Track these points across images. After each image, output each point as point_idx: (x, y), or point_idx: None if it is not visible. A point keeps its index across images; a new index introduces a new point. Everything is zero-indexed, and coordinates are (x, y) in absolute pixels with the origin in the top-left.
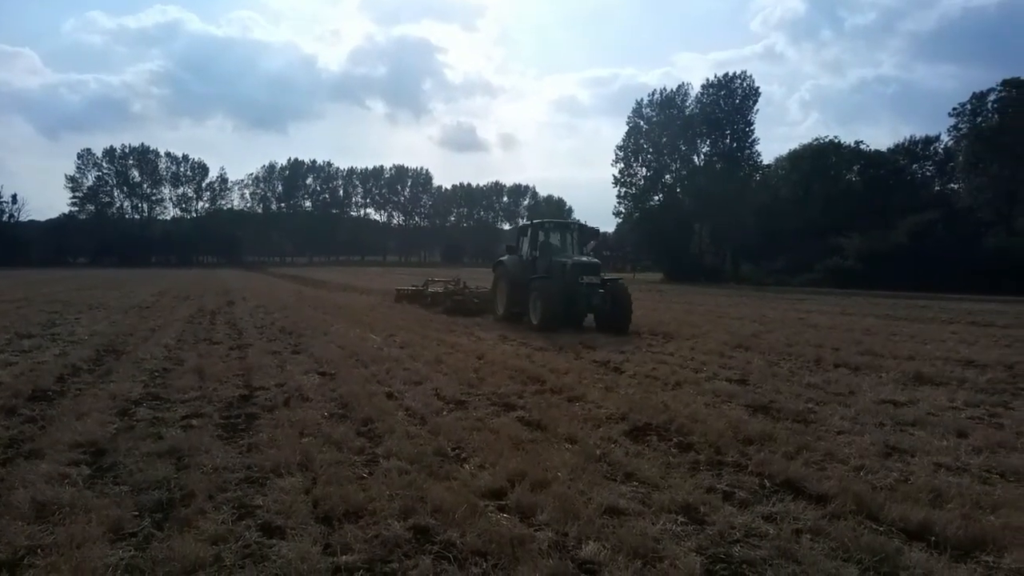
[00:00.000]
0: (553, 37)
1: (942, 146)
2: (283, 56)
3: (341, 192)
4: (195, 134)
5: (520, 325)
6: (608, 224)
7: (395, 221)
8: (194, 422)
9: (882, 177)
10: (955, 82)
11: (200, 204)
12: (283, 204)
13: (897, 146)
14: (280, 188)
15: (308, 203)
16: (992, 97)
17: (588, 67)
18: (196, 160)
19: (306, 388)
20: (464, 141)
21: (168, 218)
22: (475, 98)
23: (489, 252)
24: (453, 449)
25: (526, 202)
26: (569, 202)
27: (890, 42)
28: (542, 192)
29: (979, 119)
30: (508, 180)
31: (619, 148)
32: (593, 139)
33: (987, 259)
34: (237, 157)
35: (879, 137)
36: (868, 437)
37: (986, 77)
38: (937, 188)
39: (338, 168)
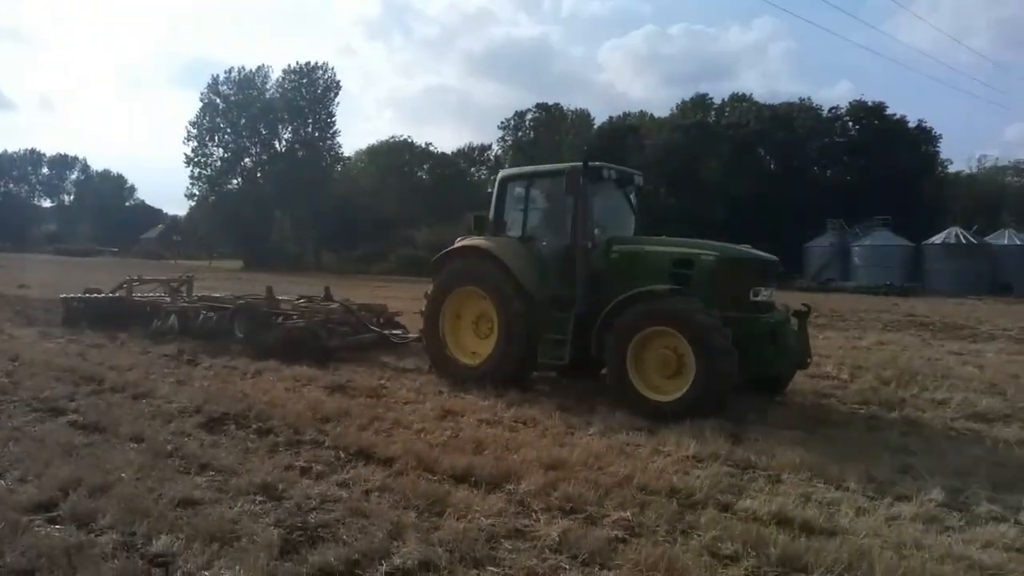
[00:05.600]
0: None
1: (494, 153)
2: None
3: None
4: None
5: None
6: (181, 207)
7: None
8: None
9: (448, 177)
10: (502, 99)
11: None
12: None
13: (459, 150)
14: None
15: None
16: (529, 116)
17: (163, 36)
18: None
19: None
20: None
21: None
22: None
23: (20, 235)
24: None
25: (74, 176)
26: (130, 180)
27: (450, 55)
28: (96, 166)
29: (520, 133)
30: (48, 149)
31: (192, 125)
32: (162, 111)
33: None
34: None
35: (445, 140)
36: (429, 404)
37: (526, 98)
38: (489, 189)
39: None
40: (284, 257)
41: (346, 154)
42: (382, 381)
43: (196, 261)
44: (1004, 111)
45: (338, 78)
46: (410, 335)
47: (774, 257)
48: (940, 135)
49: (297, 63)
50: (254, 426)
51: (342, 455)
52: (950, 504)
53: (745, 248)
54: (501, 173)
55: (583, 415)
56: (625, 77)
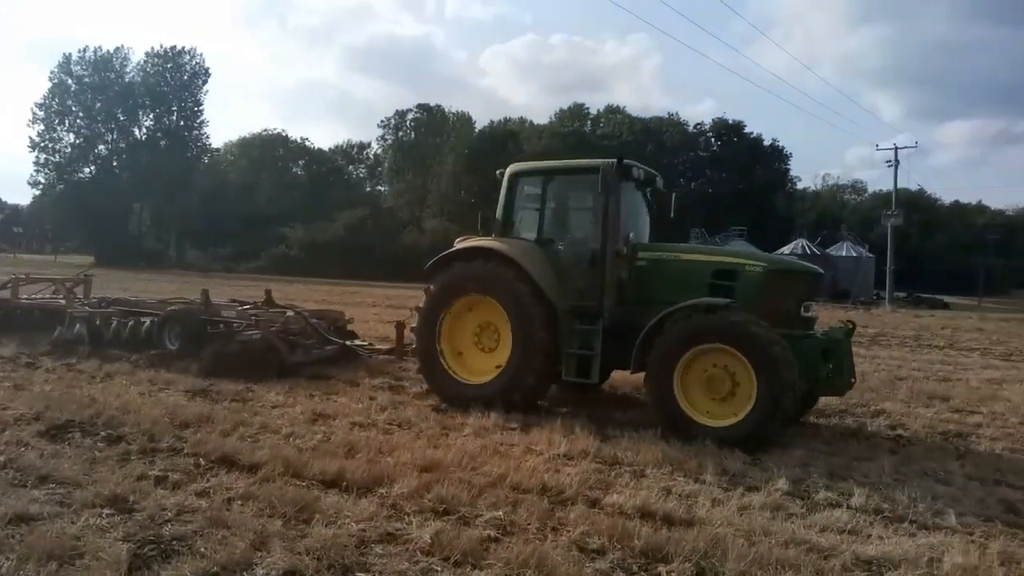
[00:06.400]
0: None
1: (373, 152)
2: None
3: None
4: None
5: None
6: (25, 196)
7: None
8: None
9: (324, 174)
10: (382, 97)
11: None
12: None
13: (337, 147)
14: None
15: None
16: (410, 116)
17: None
18: None
19: None
20: None
21: None
22: None
23: None
24: None
25: None
26: None
27: (330, 49)
28: None
29: (400, 133)
30: None
31: (39, 106)
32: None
33: (403, 252)
34: None
35: (322, 136)
36: (300, 407)
37: (407, 97)
38: (368, 189)
39: None
40: (142, 253)
41: (215, 146)
42: (249, 384)
43: (39, 256)
44: (845, 134)
45: (207, 65)
46: (378, 347)
47: (820, 269)
48: (791, 154)
49: (161, 46)
50: (103, 433)
51: (202, 463)
52: (794, 492)
53: (790, 258)
54: (512, 167)
55: (458, 416)
56: (507, 83)
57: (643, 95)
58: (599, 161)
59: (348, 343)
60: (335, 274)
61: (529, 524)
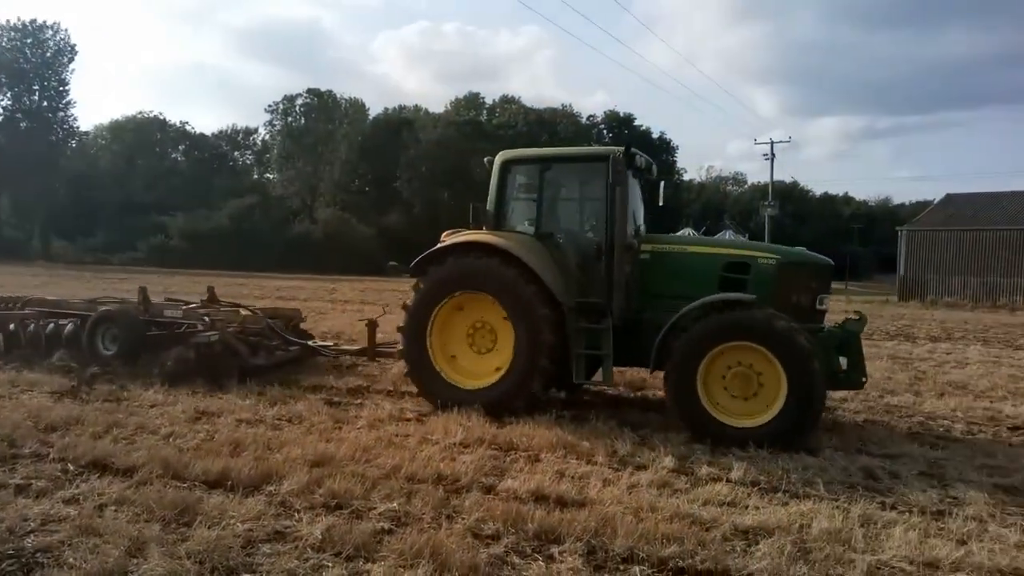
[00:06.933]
0: None
1: (260, 138)
2: None
3: None
4: None
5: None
6: None
7: None
8: None
9: (207, 160)
10: (270, 81)
11: None
12: None
13: (221, 132)
14: None
15: None
16: (300, 101)
17: None
18: None
19: None
20: None
21: None
22: None
23: None
24: None
25: None
26: None
27: (210, 29)
28: None
29: (290, 119)
30: None
31: None
32: None
33: (294, 242)
34: None
35: (206, 120)
36: (180, 406)
37: (297, 82)
38: (256, 176)
39: None
40: (3, 245)
41: (84, 129)
42: (123, 382)
43: None
44: (727, 128)
45: (73, 41)
46: (345, 348)
47: (831, 261)
48: (678, 146)
49: (20, 20)
50: None
51: (71, 468)
52: (679, 469)
53: (802, 249)
54: (502, 155)
55: (352, 409)
56: (400, 70)
57: (537, 86)
58: (606, 149)
59: (311, 343)
60: (220, 265)
61: (424, 514)
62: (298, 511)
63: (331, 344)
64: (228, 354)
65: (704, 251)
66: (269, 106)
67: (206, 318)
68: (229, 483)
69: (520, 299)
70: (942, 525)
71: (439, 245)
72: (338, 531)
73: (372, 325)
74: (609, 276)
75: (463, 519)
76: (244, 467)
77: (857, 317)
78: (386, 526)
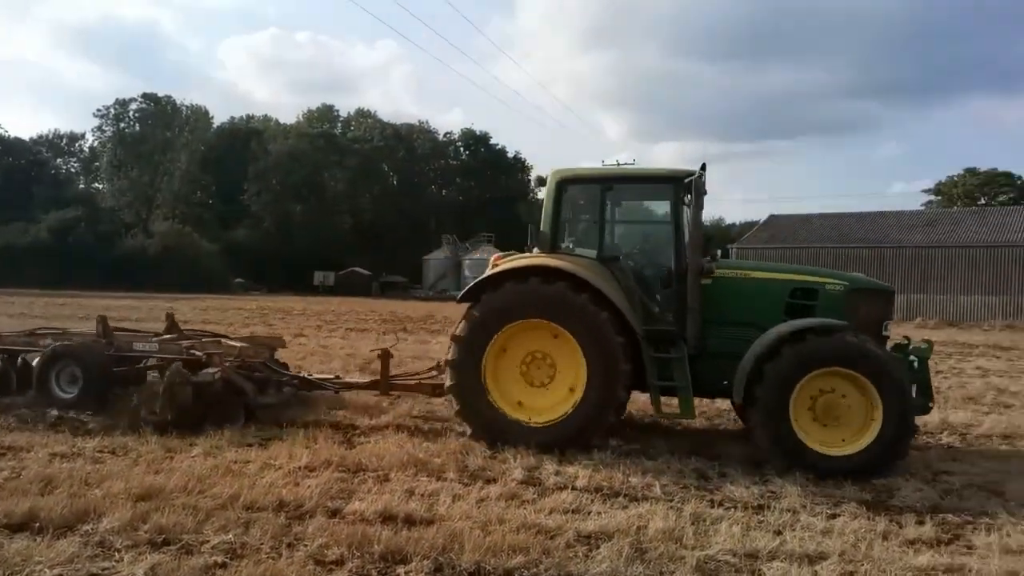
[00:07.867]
0: None
1: (88, 145)
2: None
3: None
4: None
5: None
6: None
7: None
8: None
9: (24, 167)
10: (99, 83)
11: None
12: None
13: (41, 137)
14: None
15: None
16: (134, 106)
17: None
18: None
19: None
20: None
21: None
22: None
23: None
24: None
25: None
26: None
27: (28, 23)
28: None
29: (123, 125)
30: None
31: None
32: None
33: (126, 257)
34: None
35: (20, 124)
36: None
37: (131, 85)
38: (82, 186)
39: None
40: None
41: None
42: None
43: None
44: (577, 150)
45: None
46: (351, 382)
47: (893, 287)
48: (532, 165)
49: None
50: None
51: None
52: (528, 480)
53: (866, 277)
54: (558, 173)
55: (186, 436)
56: (249, 78)
57: (394, 101)
58: (679, 170)
59: (309, 376)
60: (40, 283)
61: (262, 544)
62: (119, 550)
63: (333, 377)
64: (231, 392)
65: (770, 277)
66: (99, 110)
67: (190, 352)
68: (37, 525)
69: (594, 327)
70: (762, 518)
71: (493, 270)
72: (164, 569)
73: (385, 355)
74: (682, 302)
75: (305, 546)
76: (56, 506)
77: (925, 344)
78: (220, 559)
